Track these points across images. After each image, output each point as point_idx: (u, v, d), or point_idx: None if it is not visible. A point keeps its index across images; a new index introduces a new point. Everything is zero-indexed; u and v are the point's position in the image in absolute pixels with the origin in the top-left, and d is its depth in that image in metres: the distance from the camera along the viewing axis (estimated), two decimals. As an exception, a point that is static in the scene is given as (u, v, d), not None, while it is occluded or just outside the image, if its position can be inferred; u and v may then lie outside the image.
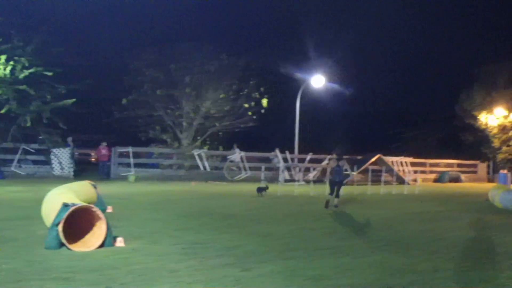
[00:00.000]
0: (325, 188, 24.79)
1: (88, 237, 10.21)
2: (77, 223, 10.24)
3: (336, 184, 19.50)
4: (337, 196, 19.51)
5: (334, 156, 21.37)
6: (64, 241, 9.55)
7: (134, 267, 8.49)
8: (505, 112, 44.87)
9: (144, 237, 11.15)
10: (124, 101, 33.46)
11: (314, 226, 13.66)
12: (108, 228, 10.02)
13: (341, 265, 9.07)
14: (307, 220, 14.94)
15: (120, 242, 10.16)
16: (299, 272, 8.45)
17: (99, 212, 10.14)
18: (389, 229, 13.74)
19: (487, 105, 44.98)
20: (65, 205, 9.90)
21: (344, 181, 20.67)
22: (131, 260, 8.95)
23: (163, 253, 9.58)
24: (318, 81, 37.57)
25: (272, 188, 25.20)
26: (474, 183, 40.52)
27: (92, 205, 10.55)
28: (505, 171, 36.56)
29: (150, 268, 8.42)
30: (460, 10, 62.66)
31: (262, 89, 35.50)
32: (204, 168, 32.83)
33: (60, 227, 9.54)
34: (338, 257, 9.72)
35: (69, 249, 9.52)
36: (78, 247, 9.74)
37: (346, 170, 21.29)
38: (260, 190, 23.02)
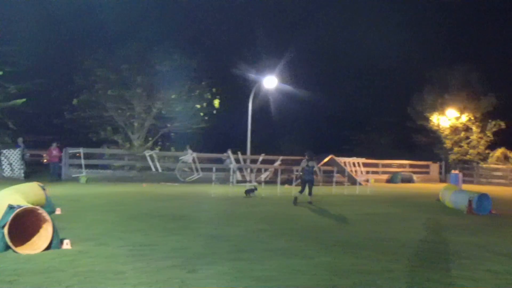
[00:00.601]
0: (277, 189, 25.09)
1: (34, 239, 10.08)
2: (23, 225, 10.11)
3: (306, 182, 21.30)
4: (310, 193, 21.13)
5: (306, 157, 22.11)
6: (9, 243, 9.43)
7: (80, 269, 8.42)
8: (457, 114, 45.61)
9: (91, 239, 11.04)
10: (75, 101, 32.98)
11: (264, 227, 13.65)
12: (55, 230, 9.91)
13: (289, 266, 9.09)
14: (257, 221, 14.92)
15: (67, 244, 10.05)
16: (246, 273, 8.45)
17: (45, 214, 10.02)
18: (339, 230, 13.83)
19: (439, 107, 45.68)
20: (11, 207, 9.77)
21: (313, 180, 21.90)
22: (77, 263, 8.86)
23: (110, 255, 9.50)
24: (270, 82, 37.67)
25: (224, 189, 25.23)
26: (426, 184, 41.01)
27: (38, 207, 10.42)
28: (457, 172, 37.03)
29: (96, 270, 8.35)
30: (413, 13, 63.36)
31: (214, 90, 35.45)
32: (156, 169, 32.62)
33: (5, 230, 9.41)
34: (287, 258, 9.72)
35: (15, 251, 9.41)
36: (24, 249, 9.61)
37: (315, 170, 22.98)
38: (248, 191, 23.65)
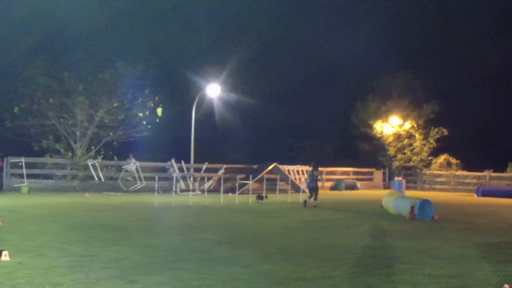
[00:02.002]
0: (220, 198, 25.15)
1: (-29, 251, 9.93)
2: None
3: (311, 189, 25.07)
4: (315, 198, 24.42)
5: (312, 167, 26.01)
6: None
7: (18, 281, 8.28)
8: (400, 121, 46.32)
9: (31, 250, 10.85)
10: (16, 109, 32.39)
11: (205, 236, 13.64)
12: (-8, 242, 9.78)
13: (230, 274, 9.09)
14: (199, 230, 14.90)
15: (5, 256, 9.87)
16: (186, 283, 8.42)
17: (-18, 226, 9.89)
18: (281, 238, 13.89)
19: (382, 114, 46.29)
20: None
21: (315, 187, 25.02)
22: (15, 275, 8.70)
23: (48, 267, 9.35)
24: (213, 90, 37.73)
25: (167, 198, 25.15)
26: (370, 190, 41.52)
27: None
28: (400, 178, 37.58)
29: (34, 282, 8.21)
30: (356, 22, 64.16)
31: (157, 98, 35.27)
32: (99, 178, 32.25)
33: None
34: (228, 267, 9.72)
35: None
36: (-40, 262, 9.46)
37: (318, 178, 26.14)
38: (259, 198, 26.05)
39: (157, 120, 35.43)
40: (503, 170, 42.77)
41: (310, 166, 26.66)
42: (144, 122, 35.10)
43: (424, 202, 19.96)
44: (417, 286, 8.63)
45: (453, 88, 53.68)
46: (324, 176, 42.70)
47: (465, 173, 43.93)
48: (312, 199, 24.46)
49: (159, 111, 35.11)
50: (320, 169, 39.89)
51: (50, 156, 33.43)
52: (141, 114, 34.86)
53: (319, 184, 27.39)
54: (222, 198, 25.57)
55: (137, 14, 51.37)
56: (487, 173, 42.40)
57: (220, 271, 9.33)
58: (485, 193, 35.89)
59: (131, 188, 32.23)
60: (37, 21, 38.60)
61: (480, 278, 9.25)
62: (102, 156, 34.71)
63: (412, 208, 19.46)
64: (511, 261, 9.13)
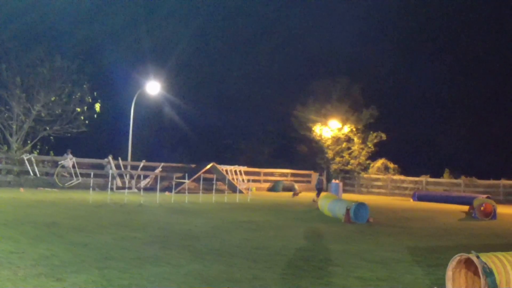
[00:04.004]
0: (156, 197, 25.09)
1: None
2: None
3: (318, 189, 32.22)
4: (317, 196, 30.20)
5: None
6: None
7: None
8: (339, 125, 46.91)
9: (-43, 247, 10.70)
10: (-50, 101, 31.88)
11: (138, 235, 13.57)
12: None
13: (159, 274, 9.09)
14: (131, 229, 14.80)
15: None
16: (114, 282, 8.39)
17: None
18: (213, 238, 13.88)
19: (321, 118, 46.81)
20: None
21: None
22: None
23: (-25, 264, 9.22)
24: (153, 88, 37.58)
25: (103, 195, 24.97)
26: (308, 192, 41.88)
27: None
28: (337, 181, 38.04)
29: (-42, 279, 8.13)
30: (297, 26, 64.76)
31: (95, 93, 35.00)
32: (34, 174, 31.74)
33: None
34: (157, 266, 9.71)
35: None
36: None
37: (323, 181, 33.51)
38: (295, 194, 33.56)
39: (95, 116, 35.14)
40: (439, 175, 43.67)
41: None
42: (82, 118, 34.77)
43: (360, 205, 20.14)
44: None
45: (391, 93, 54.67)
46: (262, 177, 42.96)
47: (402, 177, 44.74)
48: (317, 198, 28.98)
49: (97, 106, 34.85)
50: (246, 169, 40.42)
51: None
52: (79, 109, 34.54)
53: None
54: (158, 197, 25.50)
55: (77, 9, 50.85)
56: (423, 178, 43.23)
57: (149, 271, 9.30)
58: (421, 198, 36.58)
59: (66, 184, 31.86)
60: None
61: (410, 281, 9.43)
62: (38, 151, 34.27)
63: (348, 211, 19.69)
64: (442, 265, 9.31)
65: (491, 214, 23.62)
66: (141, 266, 9.65)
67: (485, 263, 7.19)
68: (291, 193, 36.70)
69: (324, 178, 34.95)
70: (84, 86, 34.73)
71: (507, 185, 39.72)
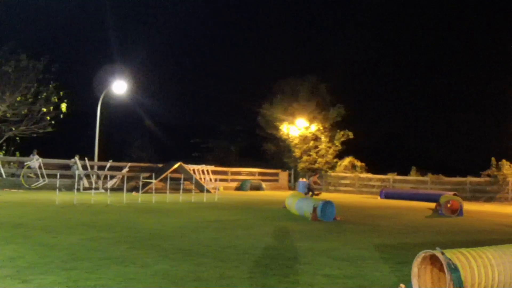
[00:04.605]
0: (123, 197, 25.01)
1: None
2: None
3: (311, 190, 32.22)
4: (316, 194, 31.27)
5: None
6: None
7: None
8: (306, 123, 47.08)
9: None
10: None
11: (104, 235, 13.52)
12: None
13: (126, 274, 9.07)
14: (98, 229, 14.74)
15: None
16: (80, 282, 8.36)
17: None
18: (180, 237, 13.85)
19: (289, 116, 46.97)
20: None
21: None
22: None
23: None
24: (120, 87, 37.40)
25: (70, 196, 24.82)
26: (275, 191, 41.96)
27: None
28: (304, 180, 38.17)
29: None
30: (266, 25, 64.96)
31: (62, 93, 34.75)
32: (0, 175, 31.45)
33: None
34: (124, 267, 9.68)
35: None
36: None
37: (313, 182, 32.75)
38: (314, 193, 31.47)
39: (62, 115, 34.92)
40: (406, 173, 44.08)
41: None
42: (48, 118, 34.51)
43: (327, 203, 20.21)
44: (314, 286, 8.76)
45: (359, 92, 55.10)
46: (229, 176, 43.02)
47: (369, 175, 45.08)
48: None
49: (63, 106, 34.61)
50: (214, 168, 40.39)
51: None
52: (44, 109, 34.30)
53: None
54: (125, 197, 25.40)
55: (43, 8, 50.47)
56: (391, 176, 43.62)
57: (116, 271, 9.28)
58: (388, 196, 36.94)
59: (33, 185, 31.61)
60: None
61: (377, 278, 9.50)
62: (3, 152, 34.00)
63: (315, 209, 19.74)
64: (408, 262, 9.37)
65: (458, 211, 23.93)
66: (108, 267, 9.62)
67: (450, 259, 7.28)
68: (258, 192, 36.64)
69: (315, 178, 34.39)
70: (50, 85, 34.49)
71: (474, 182, 40.32)
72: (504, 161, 39.37)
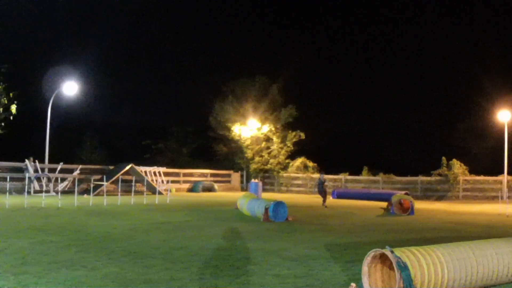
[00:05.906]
0: (74, 199, 24.89)
1: None
2: None
3: (320, 193, 29.91)
4: (324, 200, 29.25)
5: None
6: None
7: None
8: (258, 124, 47.26)
9: None
10: None
11: (53, 239, 13.52)
12: None
13: (75, 277, 9.11)
14: (47, 233, 14.72)
15: None
16: (30, 287, 8.39)
17: None
18: (130, 240, 13.89)
19: (240, 117, 47.11)
20: None
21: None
22: None
23: None
24: (70, 88, 37.13)
25: (20, 199, 24.63)
26: (228, 192, 42.05)
27: None
28: (257, 180, 38.36)
29: None
30: (214, 26, 65.11)
31: (11, 94, 34.33)
32: (-51, 178, 31.04)
33: None
34: (74, 270, 9.71)
35: None
36: None
37: (325, 184, 30.44)
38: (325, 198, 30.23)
39: (11, 117, 34.50)
40: (358, 173, 44.62)
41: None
42: (-3, 120, 34.10)
43: (278, 204, 20.41)
44: (265, 286, 8.88)
45: (310, 93, 55.64)
46: (181, 178, 43.06)
47: (321, 176, 45.45)
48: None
49: (13, 108, 34.17)
50: (165, 169, 40.30)
51: None
52: (-7, 111, 33.85)
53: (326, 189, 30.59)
54: (76, 200, 25.30)
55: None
56: (343, 176, 44.17)
57: (66, 275, 9.30)
58: (340, 195, 37.42)
59: (-17, 189, 31.24)
60: None
61: (327, 277, 9.63)
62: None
63: (266, 209, 19.97)
64: (359, 260, 9.52)
65: (409, 210, 24.42)
66: (57, 271, 9.64)
67: (399, 258, 7.48)
68: (210, 194, 36.67)
69: (324, 180, 30.58)
70: (0, 87, 34.04)
71: (425, 181, 41.11)
72: (454, 160, 40.18)
